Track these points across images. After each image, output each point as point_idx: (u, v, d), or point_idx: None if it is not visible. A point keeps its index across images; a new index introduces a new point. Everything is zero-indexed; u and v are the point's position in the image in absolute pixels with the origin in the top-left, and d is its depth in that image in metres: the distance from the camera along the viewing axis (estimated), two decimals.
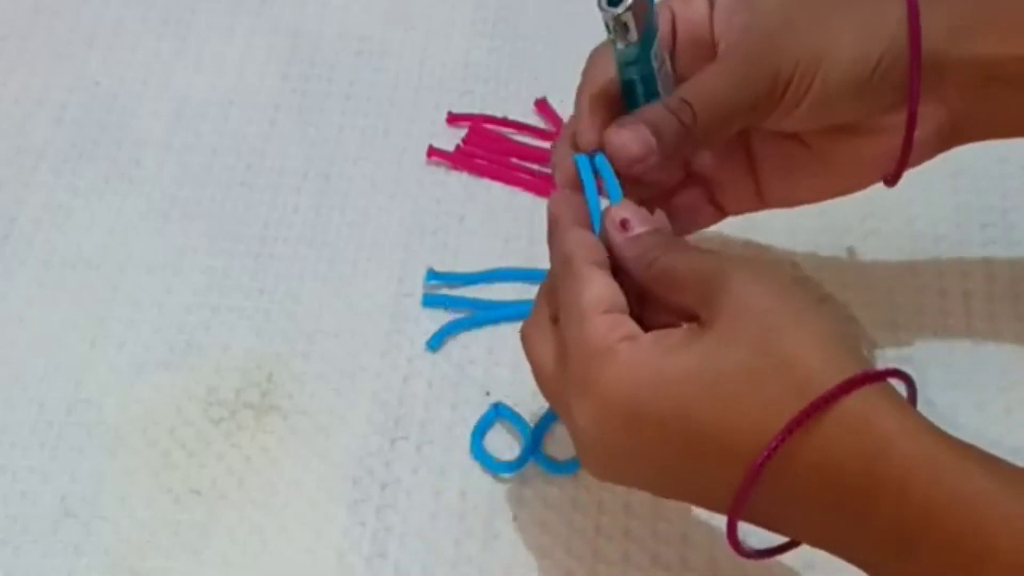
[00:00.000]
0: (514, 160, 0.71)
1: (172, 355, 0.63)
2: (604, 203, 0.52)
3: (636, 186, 0.54)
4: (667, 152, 0.52)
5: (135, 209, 0.69)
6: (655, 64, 0.52)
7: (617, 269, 0.50)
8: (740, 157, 0.57)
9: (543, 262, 0.66)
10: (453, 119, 0.73)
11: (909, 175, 0.57)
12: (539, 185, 0.70)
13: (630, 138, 0.52)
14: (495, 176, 0.70)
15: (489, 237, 0.68)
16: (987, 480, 0.43)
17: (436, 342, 0.63)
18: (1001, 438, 0.59)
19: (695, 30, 0.54)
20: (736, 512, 0.45)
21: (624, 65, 0.53)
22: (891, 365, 0.46)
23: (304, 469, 0.59)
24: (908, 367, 0.61)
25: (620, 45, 0.52)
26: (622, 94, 0.53)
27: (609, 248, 0.50)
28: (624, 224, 0.50)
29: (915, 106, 0.53)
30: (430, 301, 0.65)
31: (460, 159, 0.71)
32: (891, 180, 0.56)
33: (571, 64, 0.74)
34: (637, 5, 0.50)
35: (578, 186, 0.53)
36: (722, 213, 0.59)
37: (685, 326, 0.47)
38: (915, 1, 0.52)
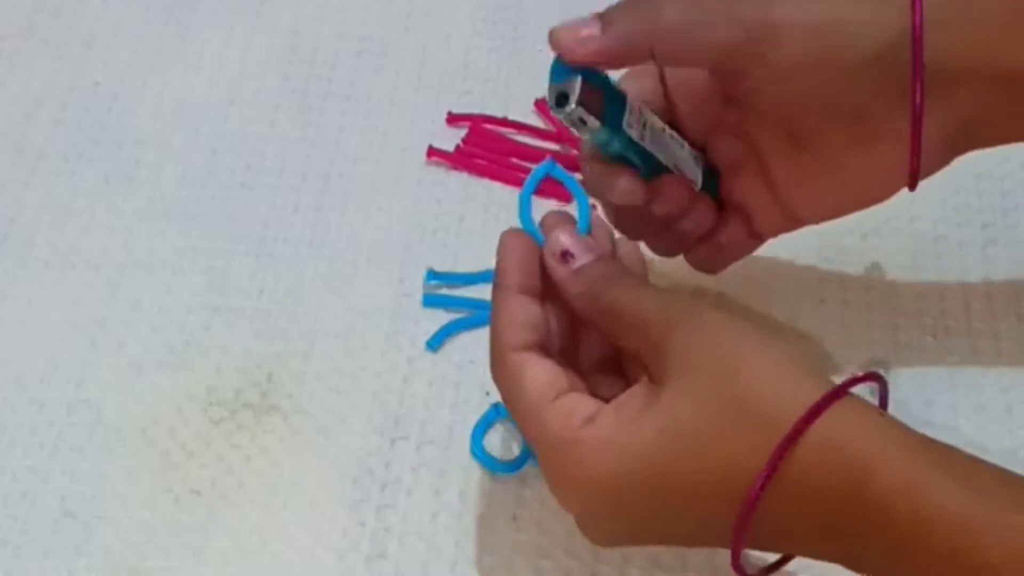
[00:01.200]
0: (514, 160, 0.71)
1: (172, 355, 0.63)
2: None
3: (671, 232, 0.57)
4: (620, 34, 0.51)
5: (135, 209, 0.69)
6: (634, 132, 0.53)
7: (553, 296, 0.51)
8: (759, 182, 0.57)
9: None
10: (453, 119, 0.73)
11: None
12: (539, 185, 0.70)
13: (572, 23, 0.52)
14: (495, 176, 0.70)
15: (489, 237, 0.67)
16: (968, 493, 0.43)
17: (436, 342, 0.63)
18: (1001, 439, 0.59)
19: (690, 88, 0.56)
20: (737, 548, 0.46)
21: (603, 147, 0.54)
22: (858, 372, 0.46)
23: (304, 469, 0.59)
24: (908, 367, 0.62)
25: (586, 136, 0.53)
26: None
27: (551, 280, 0.50)
28: (565, 256, 0.50)
29: (920, 111, 0.52)
30: (430, 301, 0.65)
31: (460, 159, 0.71)
32: (910, 186, 0.55)
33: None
34: (586, 95, 0.51)
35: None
36: (760, 239, 0.59)
37: (637, 387, 0.47)
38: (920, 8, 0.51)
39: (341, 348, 0.64)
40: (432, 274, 0.66)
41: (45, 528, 0.58)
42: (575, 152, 0.70)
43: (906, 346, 0.63)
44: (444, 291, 0.66)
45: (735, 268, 0.61)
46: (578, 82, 0.51)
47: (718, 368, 0.45)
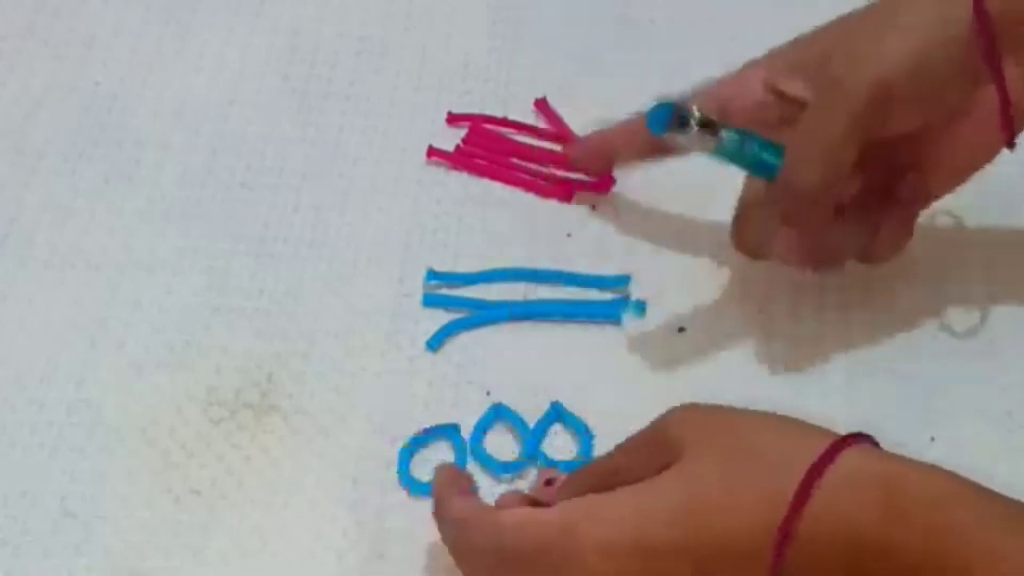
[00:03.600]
0: (514, 160, 0.71)
1: (172, 355, 0.63)
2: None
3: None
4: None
5: (135, 209, 0.69)
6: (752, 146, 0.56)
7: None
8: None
9: (543, 262, 0.66)
10: (453, 119, 0.73)
11: None
12: (539, 185, 0.70)
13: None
14: (495, 176, 0.70)
15: (489, 237, 0.68)
16: (992, 517, 0.43)
17: (436, 342, 0.63)
18: (1001, 439, 0.59)
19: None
20: None
21: (733, 155, 0.57)
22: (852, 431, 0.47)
23: (304, 469, 0.59)
24: (908, 368, 0.62)
25: (710, 150, 0.56)
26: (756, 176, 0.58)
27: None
28: (548, 482, 0.54)
29: (1000, 73, 0.55)
30: (430, 301, 0.65)
31: (460, 159, 0.71)
32: (1010, 145, 0.58)
33: (571, 64, 0.75)
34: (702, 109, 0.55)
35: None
36: (933, 195, 0.62)
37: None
38: None
39: (341, 348, 0.64)
40: (432, 274, 0.66)
41: (45, 528, 0.58)
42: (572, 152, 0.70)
43: (907, 346, 0.63)
44: (444, 291, 0.66)
45: (734, 269, 0.61)
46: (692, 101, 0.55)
47: (732, 432, 0.47)
